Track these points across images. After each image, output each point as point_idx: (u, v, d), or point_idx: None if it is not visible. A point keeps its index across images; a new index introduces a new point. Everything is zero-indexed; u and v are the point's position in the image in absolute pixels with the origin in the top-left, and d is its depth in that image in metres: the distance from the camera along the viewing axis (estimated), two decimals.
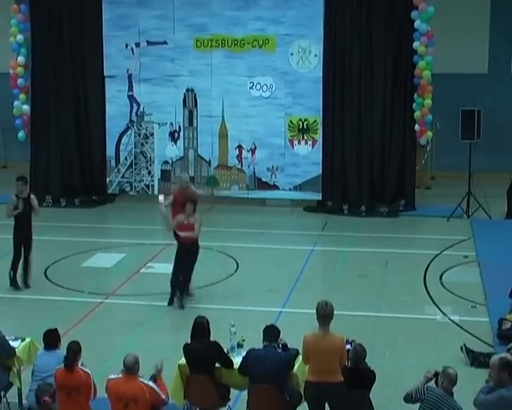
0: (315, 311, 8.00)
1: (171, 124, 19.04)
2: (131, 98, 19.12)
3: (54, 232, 16.71)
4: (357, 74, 18.16)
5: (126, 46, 18.94)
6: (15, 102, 19.05)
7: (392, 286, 13.25)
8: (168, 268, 13.95)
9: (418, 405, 7.35)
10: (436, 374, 7.44)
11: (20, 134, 19.15)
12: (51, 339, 8.37)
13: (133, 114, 19.17)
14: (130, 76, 19.02)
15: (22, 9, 18.91)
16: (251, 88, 18.53)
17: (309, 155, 18.55)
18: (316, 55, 18.21)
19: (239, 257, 14.46)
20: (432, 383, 7.45)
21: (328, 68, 18.22)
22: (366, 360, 8.02)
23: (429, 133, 17.93)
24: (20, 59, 18.86)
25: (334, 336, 8.03)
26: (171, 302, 12.35)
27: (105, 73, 19.08)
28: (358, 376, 7.81)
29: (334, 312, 8.06)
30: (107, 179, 19.44)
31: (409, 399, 7.46)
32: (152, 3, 18.66)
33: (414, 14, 17.25)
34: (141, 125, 19.18)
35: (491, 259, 14.33)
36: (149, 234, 16.60)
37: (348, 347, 8.24)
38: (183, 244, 12.27)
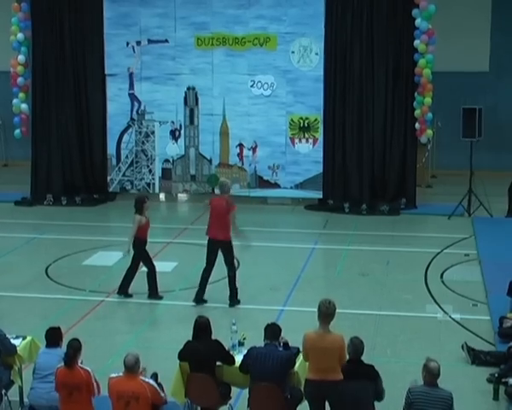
0: (317, 309, 8.00)
1: (172, 122, 19.04)
2: (132, 96, 19.11)
3: (55, 231, 16.73)
4: (358, 73, 18.16)
5: (127, 44, 18.94)
6: (14, 101, 19.02)
7: (393, 284, 13.24)
8: (169, 266, 14.02)
9: None
10: None
11: (17, 132, 19.14)
12: (53, 337, 8.36)
13: (134, 112, 19.17)
14: (131, 74, 19.02)
15: (23, 8, 18.90)
16: (252, 86, 18.52)
17: (310, 154, 18.55)
18: (317, 54, 18.21)
19: (240, 255, 14.42)
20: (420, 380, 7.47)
21: (329, 67, 18.21)
22: (368, 360, 8.03)
23: (429, 131, 17.91)
24: (21, 57, 18.84)
25: (334, 334, 8.02)
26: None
27: (106, 72, 19.08)
28: (358, 367, 7.80)
29: (336, 310, 8.05)
30: (108, 178, 19.44)
31: None
32: (153, 2, 18.65)
33: (415, 12, 17.24)
34: (142, 124, 19.18)
35: (493, 257, 14.31)
36: (150, 232, 16.58)
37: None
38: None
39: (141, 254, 12.47)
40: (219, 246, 12.19)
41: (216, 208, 12.19)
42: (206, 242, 12.31)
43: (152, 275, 12.56)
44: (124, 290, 12.60)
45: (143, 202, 12.44)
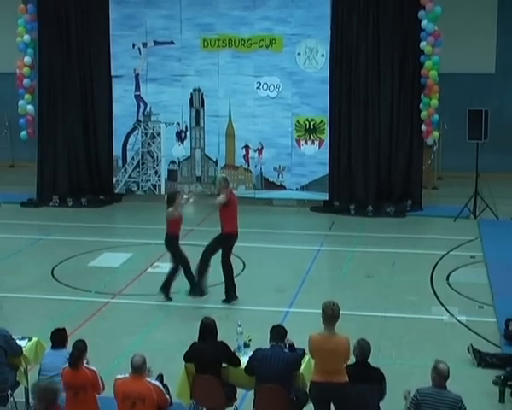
0: (321, 311, 7.99)
1: (178, 124, 19.06)
2: (138, 98, 19.14)
3: (61, 232, 16.75)
4: (363, 74, 18.15)
5: (133, 46, 18.96)
6: (20, 102, 19.05)
7: (398, 286, 13.23)
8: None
9: None
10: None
11: (23, 133, 19.18)
12: (59, 338, 8.38)
13: (140, 113, 19.19)
14: (137, 76, 19.05)
15: (29, 9, 18.95)
16: (258, 88, 18.53)
17: (316, 155, 18.54)
18: (323, 55, 18.20)
19: (246, 257, 14.44)
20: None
21: (335, 68, 18.21)
22: (373, 361, 8.02)
23: (436, 133, 17.89)
24: (27, 59, 18.88)
25: (340, 336, 8.01)
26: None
27: (112, 73, 19.11)
28: (365, 369, 7.80)
29: (341, 312, 8.05)
30: (114, 179, 19.47)
31: None
32: (159, 3, 18.67)
33: (421, 13, 17.23)
34: (148, 125, 19.21)
35: (499, 259, 14.29)
36: (156, 234, 16.50)
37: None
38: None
39: (176, 250, 12.41)
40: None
41: (235, 203, 12.38)
42: (228, 239, 12.29)
43: (172, 273, 12.49)
44: (166, 291, 12.56)
45: (175, 196, 12.52)
